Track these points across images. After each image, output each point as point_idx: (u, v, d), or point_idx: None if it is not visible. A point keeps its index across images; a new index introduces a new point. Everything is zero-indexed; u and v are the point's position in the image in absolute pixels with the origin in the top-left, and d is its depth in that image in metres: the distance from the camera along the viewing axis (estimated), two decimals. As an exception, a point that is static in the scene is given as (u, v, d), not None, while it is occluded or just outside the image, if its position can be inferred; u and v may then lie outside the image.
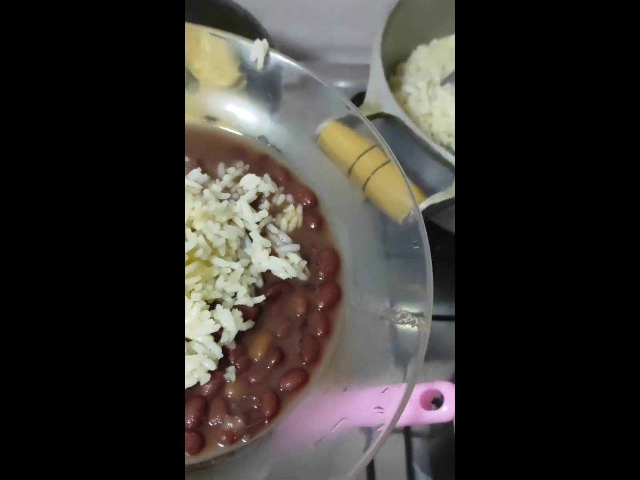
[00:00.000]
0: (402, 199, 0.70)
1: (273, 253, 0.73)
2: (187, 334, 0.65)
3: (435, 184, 0.89)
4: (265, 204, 0.78)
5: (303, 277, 0.73)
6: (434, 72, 1.05)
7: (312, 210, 0.79)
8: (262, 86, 0.82)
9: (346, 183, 0.80)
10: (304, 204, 0.79)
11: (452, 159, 0.85)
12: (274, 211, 0.78)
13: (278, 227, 0.77)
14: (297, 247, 0.75)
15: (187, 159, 0.80)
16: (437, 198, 0.84)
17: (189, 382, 0.65)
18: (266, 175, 0.79)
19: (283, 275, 0.72)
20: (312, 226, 0.78)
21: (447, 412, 0.75)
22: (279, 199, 0.79)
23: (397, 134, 0.91)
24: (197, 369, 0.65)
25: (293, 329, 0.71)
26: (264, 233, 0.75)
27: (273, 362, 0.68)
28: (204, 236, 0.68)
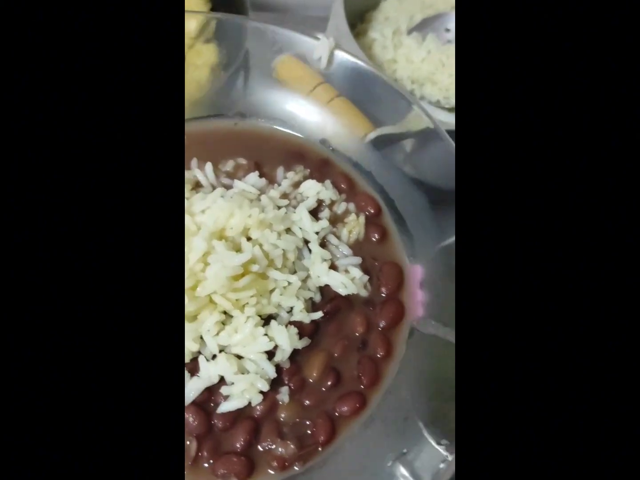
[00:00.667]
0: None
1: (332, 266, 0.69)
2: (240, 351, 0.62)
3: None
4: (325, 213, 0.73)
5: (364, 292, 0.68)
6: (401, 21, 1.03)
7: (375, 220, 0.74)
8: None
9: (415, 190, 0.74)
10: (367, 213, 0.74)
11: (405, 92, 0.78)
12: (335, 220, 0.73)
13: (338, 237, 0.72)
14: (358, 260, 0.70)
15: (244, 162, 0.77)
16: (386, 130, 0.79)
17: (239, 403, 0.61)
18: (327, 182, 0.75)
19: (343, 291, 0.67)
20: (375, 237, 0.73)
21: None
22: (340, 208, 0.74)
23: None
24: (248, 388, 0.61)
25: (351, 349, 0.66)
26: (323, 244, 0.71)
27: (329, 383, 0.64)
28: (260, 246, 0.64)
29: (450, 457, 0.56)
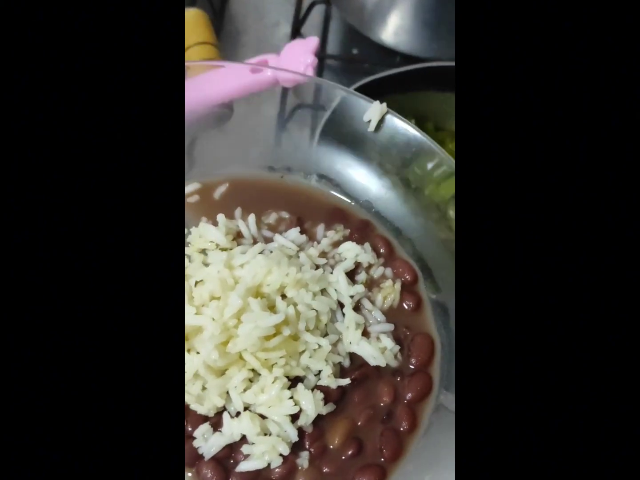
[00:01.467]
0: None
1: (365, 331, 0.69)
2: (264, 411, 0.62)
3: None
4: (362, 276, 0.73)
5: (393, 363, 0.68)
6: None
7: (411, 288, 0.74)
8: (374, 148, 0.78)
9: (449, 261, 0.74)
10: (403, 280, 0.74)
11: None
12: (370, 284, 0.73)
13: (373, 302, 0.72)
14: (391, 327, 0.70)
15: (287, 216, 0.77)
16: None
17: (259, 464, 0.61)
18: (367, 245, 0.75)
19: (372, 362, 0.66)
20: (409, 306, 0.72)
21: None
22: (377, 272, 0.74)
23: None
24: (269, 450, 0.61)
25: (375, 419, 0.65)
26: (357, 307, 0.71)
27: (350, 453, 0.63)
28: (295, 305, 0.64)
29: None
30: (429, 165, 0.75)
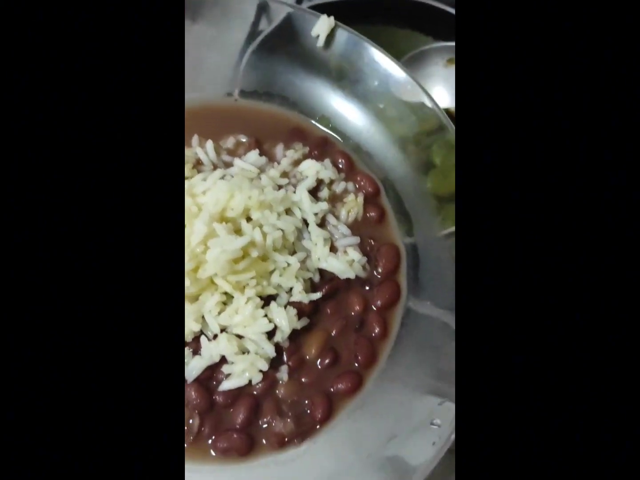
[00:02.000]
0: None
1: (332, 246, 0.70)
2: (240, 331, 0.63)
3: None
4: (324, 192, 0.74)
5: (361, 273, 0.70)
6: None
7: (374, 200, 0.75)
8: (324, 63, 0.77)
9: (411, 171, 0.75)
10: (365, 193, 0.75)
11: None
12: (333, 199, 0.74)
13: (337, 217, 0.73)
14: (356, 240, 0.71)
15: (244, 139, 0.77)
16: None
17: (240, 382, 0.63)
18: (327, 161, 0.75)
19: (342, 276, 0.68)
20: (373, 218, 0.74)
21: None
22: (339, 187, 0.75)
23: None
24: (249, 368, 0.63)
25: (348, 329, 0.68)
26: (322, 224, 0.72)
27: (327, 362, 0.66)
28: (260, 227, 0.65)
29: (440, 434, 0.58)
30: (383, 76, 0.74)
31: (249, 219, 0.66)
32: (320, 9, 0.77)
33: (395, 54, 0.76)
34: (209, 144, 0.75)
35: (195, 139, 0.75)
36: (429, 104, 0.72)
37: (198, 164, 0.74)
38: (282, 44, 0.77)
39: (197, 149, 0.74)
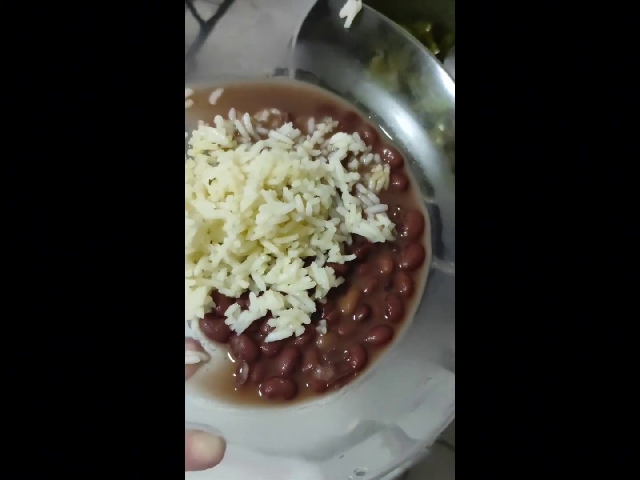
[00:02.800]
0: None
1: (362, 213, 0.76)
2: (284, 289, 0.70)
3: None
4: (354, 163, 0.80)
5: (390, 238, 0.76)
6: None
7: (398, 170, 0.81)
8: (351, 43, 0.82)
9: (433, 147, 0.81)
10: (390, 163, 0.81)
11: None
12: (362, 170, 0.80)
13: (366, 186, 0.79)
14: (385, 207, 0.78)
15: (277, 112, 0.82)
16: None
17: (285, 333, 0.70)
18: (355, 134, 0.81)
19: (373, 240, 0.75)
20: (398, 186, 0.80)
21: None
22: (367, 158, 0.81)
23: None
24: (292, 321, 0.70)
25: (379, 287, 0.75)
26: (352, 192, 0.78)
27: (361, 316, 0.73)
28: (300, 194, 0.71)
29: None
30: (406, 55, 0.79)
31: (289, 187, 0.72)
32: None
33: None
34: (246, 117, 0.80)
35: (232, 112, 0.81)
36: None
37: (236, 136, 0.80)
38: (315, 26, 0.81)
39: (235, 122, 0.80)
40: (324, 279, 0.70)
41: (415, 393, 0.67)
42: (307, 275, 0.70)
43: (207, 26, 0.83)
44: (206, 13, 0.81)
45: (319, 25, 0.82)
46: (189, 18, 0.81)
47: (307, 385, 0.70)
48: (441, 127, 0.80)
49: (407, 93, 0.82)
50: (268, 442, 0.67)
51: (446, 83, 0.76)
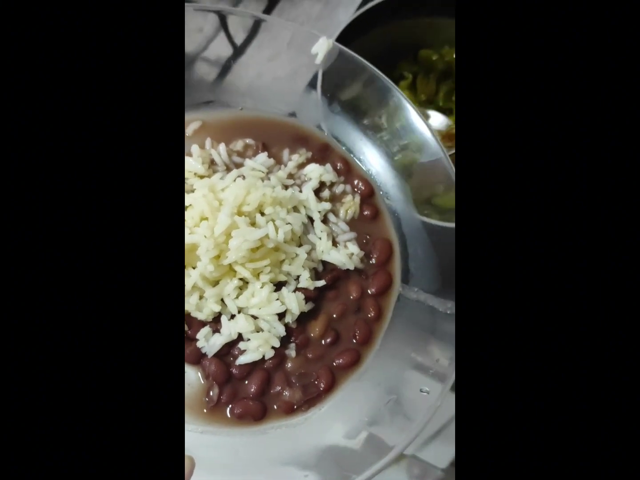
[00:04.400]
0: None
1: (333, 241, 0.79)
2: (255, 312, 0.72)
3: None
4: (325, 193, 0.83)
5: (359, 265, 0.79)
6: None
7: (369, 200, 0.85)
8: (324, 79, 0.85)
9: (398, 176, 0.85)
10: (361, 193, 0.84)
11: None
12: (333, 199, 0.84)
13: (337, 215, 0.82)
14: (354, 235, 0.81)
15: (252, 142, 0.85)
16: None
17: (255, 356, 0.72)
18: (328, 165, 0.84)
19: (342, 267, 0.78)
20: (368, 215, 0.83)
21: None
22: (339, 188, 0.84)
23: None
24: (262, 344, 0.72)
25: (348, 312, 0.78)
26: (324, 221, 0.81)
27: (329, 340, 0.76)
28: (273, 221, 0.74)
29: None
30: (371, 90, 0.83)
31: (262, 214, 0.75)
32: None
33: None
34: (222, 146, 0.83)
35: (208, 142, 0.84)
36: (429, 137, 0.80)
37: (212, 164, 0.82)
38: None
39: (212, 151, 0.83)
40: (294, 303, 0.73)
41: (380, 414, 0.70)
42: (277, 299, 0.72)
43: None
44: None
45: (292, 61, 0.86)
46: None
47: (275, 406, 0.72)
48: (401, 157, 0.84)
49: (375, 126, 0.86)
50: (236, 460, 0.69)
51: (413, 116, 0.80)
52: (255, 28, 0.86)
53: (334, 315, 0.77)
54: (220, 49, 0.88)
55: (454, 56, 1.00)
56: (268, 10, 0.93)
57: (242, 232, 0.70)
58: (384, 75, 0.82)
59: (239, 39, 0.88)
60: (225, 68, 0.88)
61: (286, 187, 0.81)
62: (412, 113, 0.80)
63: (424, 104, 1.05)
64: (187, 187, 0.78)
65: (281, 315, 0.73)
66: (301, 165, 0.85)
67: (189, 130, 0.85)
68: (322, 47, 0.83)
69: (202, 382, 0.73)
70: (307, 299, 0.75)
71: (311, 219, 0.80)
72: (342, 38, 0.90)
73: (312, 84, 0.86)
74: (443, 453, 0.90)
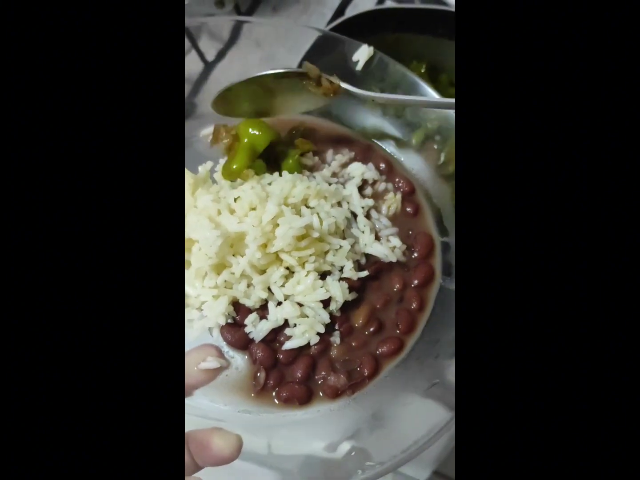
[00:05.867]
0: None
1: (376, 235, 0.82)
2: (301, 300, 0.75)
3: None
4: (368, 190, 0.86)
5: (401, 258, 0.81)
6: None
7: (410, 197, 0.87)
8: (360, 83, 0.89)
9: (437, 176, 0.88)
10: (403, 191, 0.87)
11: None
12: (376, 197, 0.86)
13: (379, 211, 0.85)
14: (396, 230, 0.84)
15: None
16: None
17: (300, 342, 0.74)
18: (370, 164, 0.88)
19: (385, 259, 0.80)
20: (409, 212, 0.86)
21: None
22: (381, 186, 0.87)
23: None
24: (308, 330, 0.74)
25: (391, 303, 0.80)
26: (367, 217, 0.84)
27: (372, 329, 0.77)
28: (318, 215, 0.77)
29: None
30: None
31: (307, 207, 0.78)
32: (360, 18, 0.94)
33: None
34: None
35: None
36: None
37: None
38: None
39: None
40: (338, 291, 0.75)
41: (420, 398, 0.71)
42: (322, 287, 0.75)
43: (210, 66, 0.92)
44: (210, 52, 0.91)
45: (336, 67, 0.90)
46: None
47: (320, 391, 0.74)
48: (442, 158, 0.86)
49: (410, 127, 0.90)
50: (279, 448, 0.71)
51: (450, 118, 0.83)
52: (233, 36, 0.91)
53: (377, 306, 0.79)
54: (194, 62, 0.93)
55: (422, 71, 1.01)
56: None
57: (288, 219, 0.73)
58: (421, 81, 0.86)
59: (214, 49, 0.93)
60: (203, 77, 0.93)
61: (329, 185, 0.84)
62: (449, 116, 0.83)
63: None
64: (233, 184, 0.82)
65: (326, 304, 0.76)
66: (344, 165, 0.88)
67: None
68: (363, 54, 0.87)
69: (250, 367, 0.75)
70: (350, 289, 0.77)
71: (354, 215, 0.83)
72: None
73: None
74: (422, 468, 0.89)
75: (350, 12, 1.13)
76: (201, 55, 0.92)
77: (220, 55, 0.92)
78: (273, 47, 0.91)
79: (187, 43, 0.90)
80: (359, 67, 0.88)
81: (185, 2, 1.08)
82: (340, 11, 1.14)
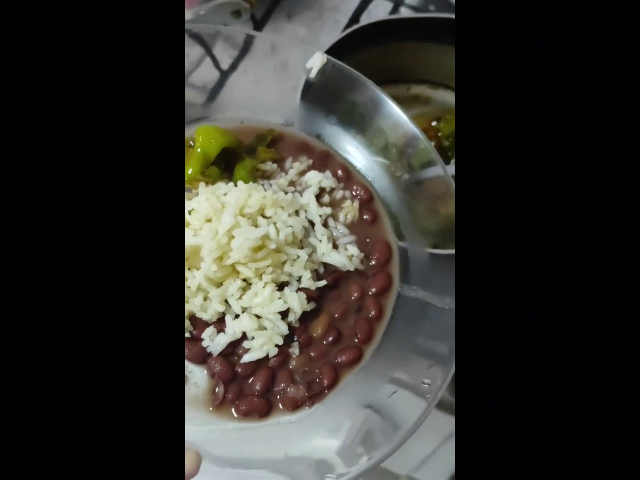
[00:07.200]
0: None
1: (333, 244, 0.82)
2: (259, 312, 0.74)
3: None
4: (325, 198, 0.86)
5: (359, 266, 0.81)
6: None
7: (368, 205, 0.87)
8: (318, 91, 0.89)
9: (395, 182, 0.88)
10: (360, 199, 0.87)
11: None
12: (333, 204, 0.86)
13: (336, 220, 0.85)
14: (354, 238, 0.83)
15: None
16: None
17: (259, 354, 0.74)
18: (327, 172, 0.87)
19: (343, 268, 0.80)
20: (367, 219, 0.86)
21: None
22: (338, 194, 0.87)
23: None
24: (266, 342, 0.74)
25: (349, 312, 0.80)
26: (324, 225, 0.83)
27: (331, 339, 0.77)
28: (274, 224, 0.76)
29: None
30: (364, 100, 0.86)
31: (263, 217, 0.78)
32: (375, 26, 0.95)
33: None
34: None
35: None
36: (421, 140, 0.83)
37: (216, 173, 0.85)
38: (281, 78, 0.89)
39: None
40: (296, 302, 0.75)
41: (381, 406, 0.71)
42: (280, 298, 0.74)
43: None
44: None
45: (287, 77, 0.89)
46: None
47: (280, 404, 0.74)
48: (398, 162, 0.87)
49: (368, 134, 0.89)
50: (240, 455, 0.70)
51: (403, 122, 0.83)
52: (246, 46, 0.90)
53: (336, 315, 0.79)
54: (209, 70, 0.93)
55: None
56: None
57: (243, 230, 0.72)
58: (377, 87, 0.85)
59: (229, 58, 0.93)
60: (219, 85, 0.92)
61: (285, 194, 0.83)
62: (406, 124, 0.83)
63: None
64: (189, 195, 0.81)
65: (284, 315, 0.75)
66: (302, 173, 0.87)
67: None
68: (317, 61, 0.87)
69: (208, 381, 0.74)
70: (309, 299, 0.77)
71: (312, 223, 0.82)
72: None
73: (307, 96, 0.90)
74: (438, 473, 0.89)
75: (364, 20, 1.15)
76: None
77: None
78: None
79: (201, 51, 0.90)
80: (313, 74, 0.87)
81: (202, 13, 1.08)
82: (354, 19, 1.15)
